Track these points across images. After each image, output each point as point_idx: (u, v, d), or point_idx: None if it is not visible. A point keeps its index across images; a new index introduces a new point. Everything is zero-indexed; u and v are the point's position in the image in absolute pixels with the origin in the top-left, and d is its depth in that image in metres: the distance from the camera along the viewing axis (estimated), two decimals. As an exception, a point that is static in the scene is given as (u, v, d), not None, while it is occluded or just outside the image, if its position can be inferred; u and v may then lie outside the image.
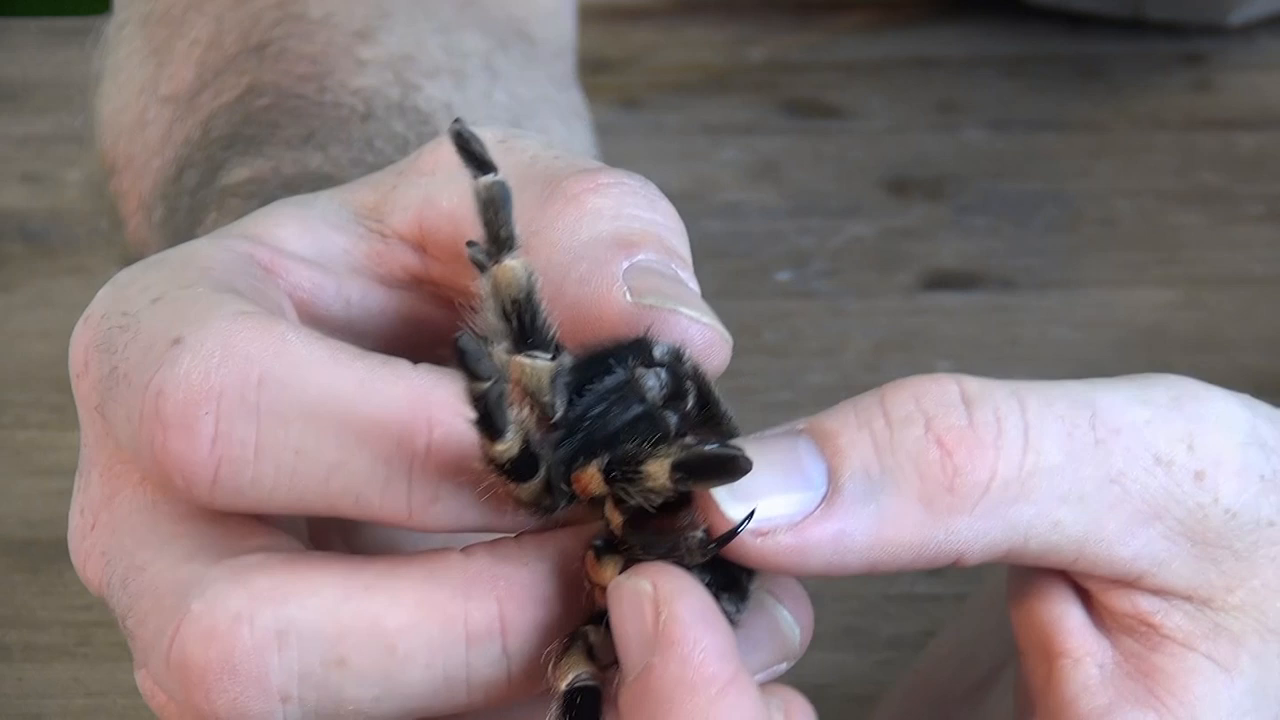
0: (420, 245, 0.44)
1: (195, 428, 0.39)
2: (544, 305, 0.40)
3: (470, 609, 0.39)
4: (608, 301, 0.41)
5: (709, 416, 0.41)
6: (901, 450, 0.40)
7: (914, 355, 0.70)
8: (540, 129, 0.60)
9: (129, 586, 0.41)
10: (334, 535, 0.43)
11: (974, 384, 0.41)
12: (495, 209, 0.40)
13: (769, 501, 0.40)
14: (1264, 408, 0.43)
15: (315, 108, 0.57)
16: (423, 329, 0.44)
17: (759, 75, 0.84)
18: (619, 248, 0.42)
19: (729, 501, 0.39)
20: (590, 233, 0.42)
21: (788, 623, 0.42)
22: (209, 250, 0.43)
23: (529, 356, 0.40)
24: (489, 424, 0.38)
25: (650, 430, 0.40)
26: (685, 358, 0.41)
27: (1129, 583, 0.42)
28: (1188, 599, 0.42)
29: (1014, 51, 0.85)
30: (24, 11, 0.89)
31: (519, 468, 0.39)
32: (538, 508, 0.40)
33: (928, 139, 0.81)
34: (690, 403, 0.41)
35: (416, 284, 0.45)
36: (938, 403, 0.40)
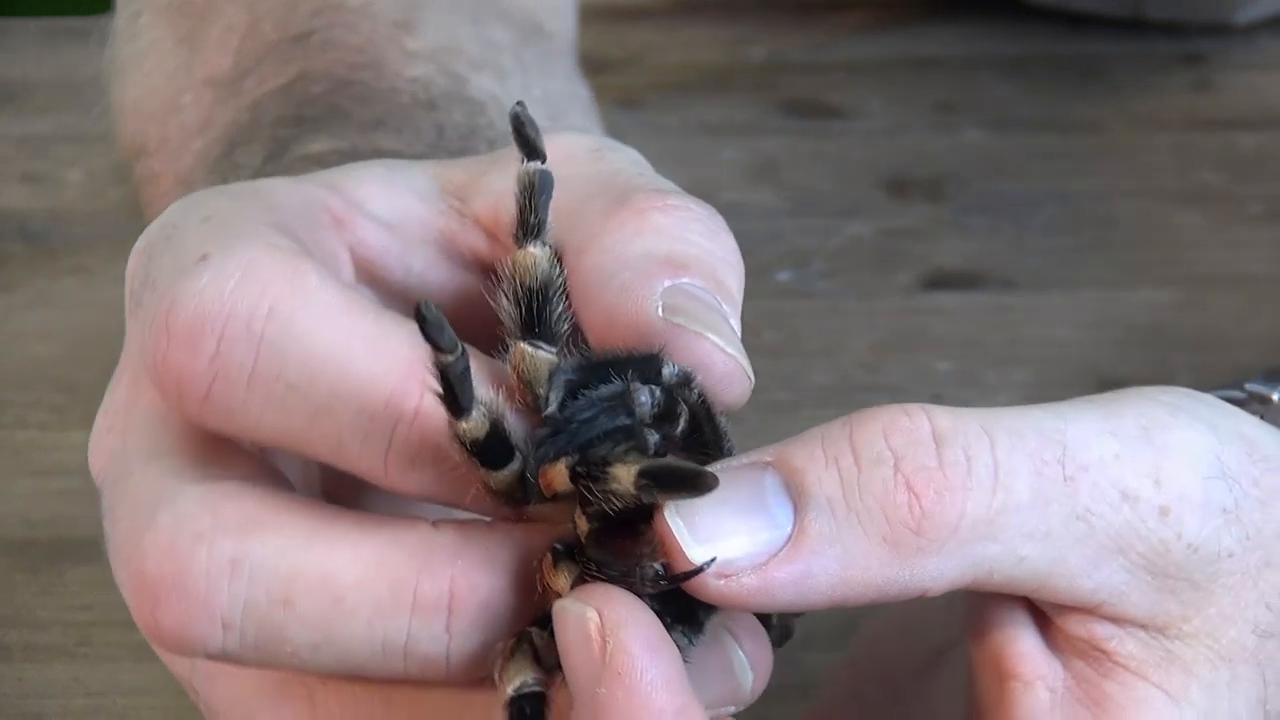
0: (494, 233, 0.45)
1: (197, 344, 0.40)
2: (560, 300, 0.40)
3: (423, 579, 0.40)
4: (639, 311, 0.41)
5: (698, 443, 0.41)
6: (869, 492, 0.40)
7: (914, 355, 0.70)
8: (569, 127, 0.60)
9: (115, 488, 0.41)
10: (348, 488, 0.44)
11: (944, 419, 0.40)
12: (531, 194, 0.40)
13: (732, 542, 0.39)
14: (1230, 428, 0.43)
15: (379, 95, 0.57)
16: (477, 314, 0.44)
17: (759, 75, 0.84)
18: (666, 266, 0.42)
19: (691, 542, 0.39)
20: (643, 247, 0.42)
21: (741, 665, 0.41)
22: (283, 189, 0.44)
23: (533, 345, 0.40)
24: (452, 399, 0.38)
25: (626, 440, 0.40)
26: (694, 384, 0.41)
27: (1087, 610, 0.42)
28: (1143, 627, 0.42)
29: (1014, 52, 0.85)
30: (24, 11, 0.89)
31: (489, 452, 0.39)
32: (509, 498, 0.40)
33: (927, 139, 0.81)
34: (680, 426, 0.40)
35: (482, 269, 0.45)
36: (907, 441, 0.40)
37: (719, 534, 0.39)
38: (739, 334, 0.42)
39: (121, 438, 0.43)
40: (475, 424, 0.39)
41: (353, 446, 0.40)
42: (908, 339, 0.71)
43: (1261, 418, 0.44)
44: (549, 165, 0.41)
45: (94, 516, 0.62)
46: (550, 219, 0.41)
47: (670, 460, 0.39)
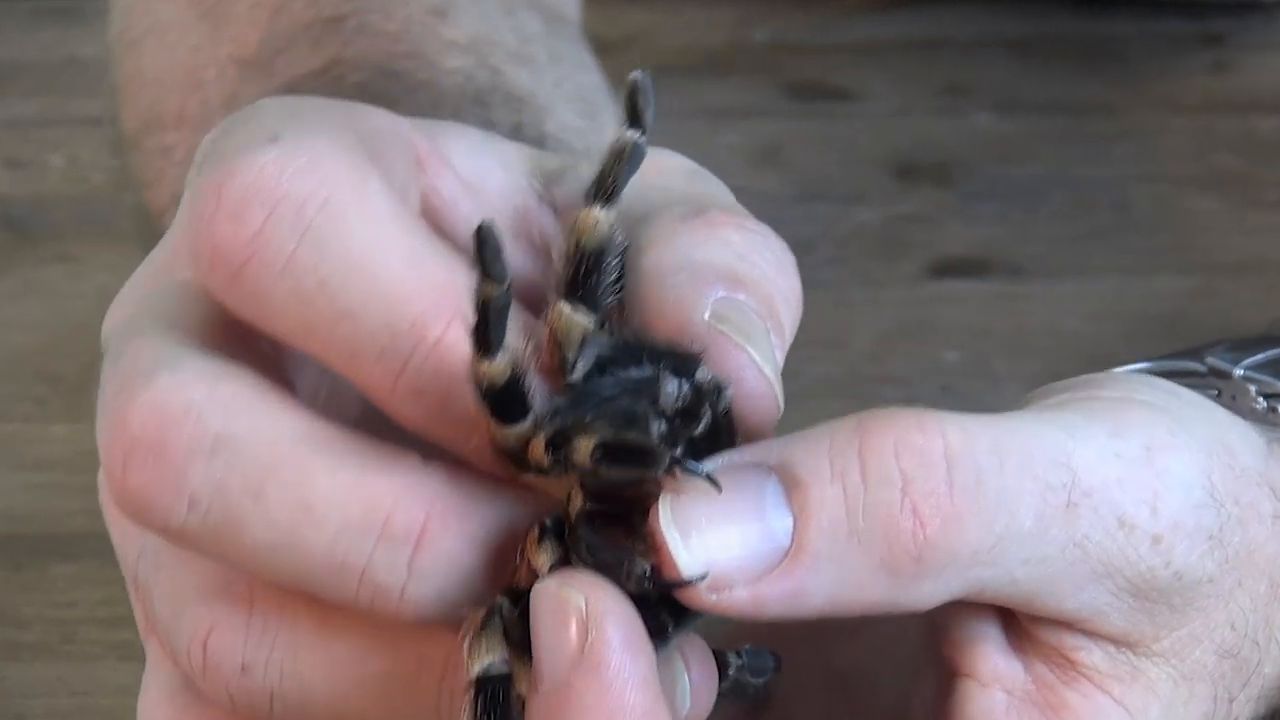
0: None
1: (244, 215, 0.40)
2: (612, 271, 0.40)
3: (398, 507, 0.40)
4: (686, 312, 0.41)
5: (712, 450, 0.41)
6: (874, 515, 0.39)
7: (921, 345, 0.70)
8: (604, 125, 0.61)
9: (121, 343, 0.42)
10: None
11: (957, 435, 0.40)
12: (619, 160, 0.40)
13: (728, 551, 0.39)
14: (1215, 439, 0.44)
15: (424, 87, 0.58)
16: (530, 301, 0.44)
17: (761, 57, 0.85)
18: (725, 278, 0.42)
19: (684, 553, 0.39)
20: (707, 255, 0.42)
21: (683, 691, 0.41)
22: (376, 112, 0.44)
23: (572, 306, 0.40)
24: (483, 333, 0.38)
25: (628, 421, 0.40)
26: (724, 396, 0.41)
27: (1063, 624, 0.42)
28: (1114, 642, 0.43)
29: (1024, 32, 0.85)
30: (7, -8, 0.89)
31: (502, 403, 0.39)
32: (512, 459, 0.40)
33: (935, 123, 0.81)
34: (699, 428, 0.40)
35: (542, 254, 0.45)
36: (918, 462, 0.40)
37: (714, 541, 0.39)
38: (780, 366, 0.42)
39: (139, 307, 0.43)
40: (498, 368, 0.39)
41: (367, 359, 0.40)
42: (915, 328, 0.71)
43: (1219, 393, 0.45)
44: (642, 174, 0.41)
45: (79, 511, 0.62)
46: (624, 196, 0.41)
47: (626, 434, 0.39)
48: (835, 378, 0.69)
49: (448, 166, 0.45)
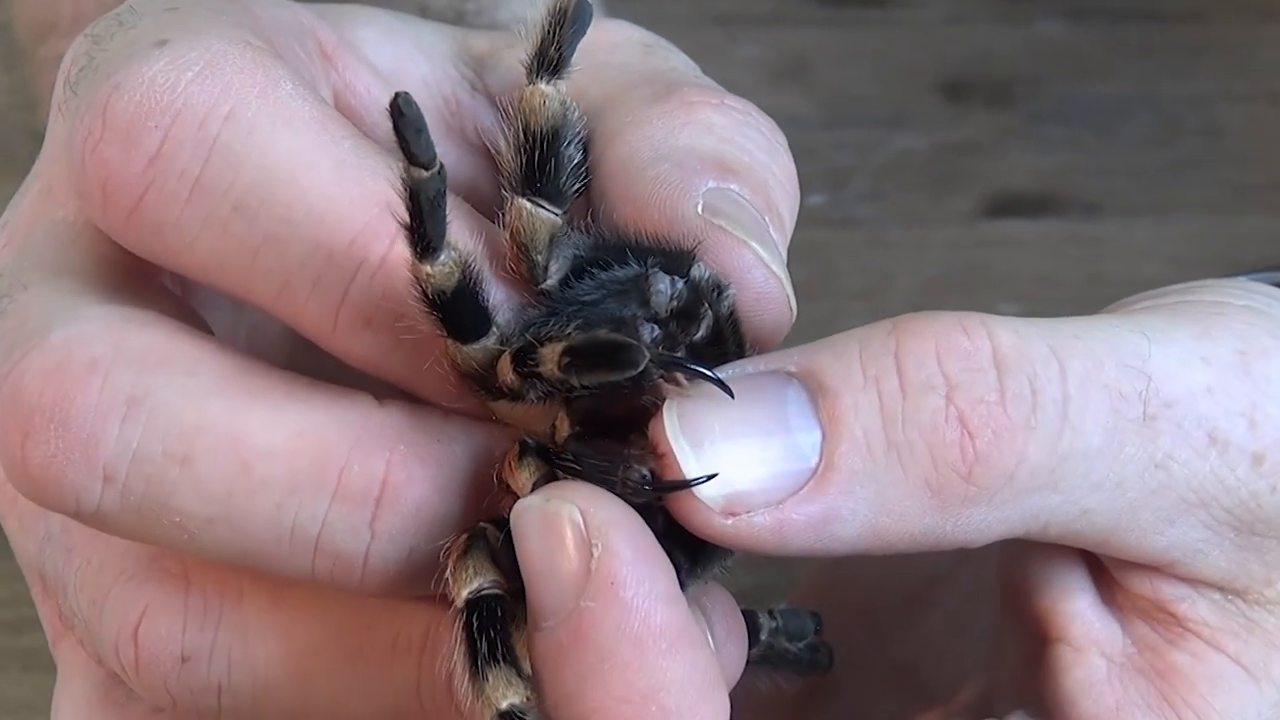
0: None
1: (137, 139, 0.39)
2: (573, 152, 0.39)
3: (354, 459, 0.39)
4: (674, 205, 0.40)
5: (718, 356, 0.39)
6: (914, 425, 0.39)
7: (973, 296, 0.70)
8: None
9: (2, 305, 0.40)
10: None
11: (1007, 339, 0.39)
12: (560, 23, 0.39)
13: (745, 471, 0.38)
14: None
15: None
16: (466, 197, 0.43)
17: (785, -47, 0.84)
18: (713, 166, 0.41)
19: (689, 454, 0.38)
20: (689, 140, 0.42)
21: None
22: (269, 4, 0.43)
23: (533, 202, 0.39)
24: (419, 229, 0.37)
25: (618, 328, 0.38)
26: (726, 296, 0.40)
27: (1155, 568, 0.42)
28: (1219, 589, 0.42)
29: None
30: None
31: (456, 315, 0.38)
32: (479, 384, 0.39)
33: (992, 33, 0.81)
34: (700, 331, 0.39)
35: (480, 152, 0.45)
36: (964, 366, 0.39)
37: (730, 455, 0.38)
38: (784, 263, 0.41)
39: (16, 255, 0.41)
40: (443, 271, 0.37)
41: (300, 291, 0.39)
42: (966, 276, 0.71)
43: None
44: (591, 50, 0.39)
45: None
46: (576, 79, 0.40)
47: (595, 334, 0.37)
48: (872, 334, 0.68)
49: (359, 58, 0.44)
